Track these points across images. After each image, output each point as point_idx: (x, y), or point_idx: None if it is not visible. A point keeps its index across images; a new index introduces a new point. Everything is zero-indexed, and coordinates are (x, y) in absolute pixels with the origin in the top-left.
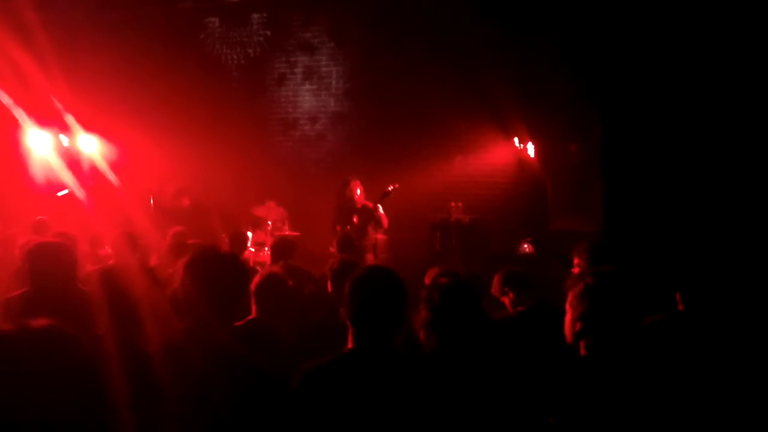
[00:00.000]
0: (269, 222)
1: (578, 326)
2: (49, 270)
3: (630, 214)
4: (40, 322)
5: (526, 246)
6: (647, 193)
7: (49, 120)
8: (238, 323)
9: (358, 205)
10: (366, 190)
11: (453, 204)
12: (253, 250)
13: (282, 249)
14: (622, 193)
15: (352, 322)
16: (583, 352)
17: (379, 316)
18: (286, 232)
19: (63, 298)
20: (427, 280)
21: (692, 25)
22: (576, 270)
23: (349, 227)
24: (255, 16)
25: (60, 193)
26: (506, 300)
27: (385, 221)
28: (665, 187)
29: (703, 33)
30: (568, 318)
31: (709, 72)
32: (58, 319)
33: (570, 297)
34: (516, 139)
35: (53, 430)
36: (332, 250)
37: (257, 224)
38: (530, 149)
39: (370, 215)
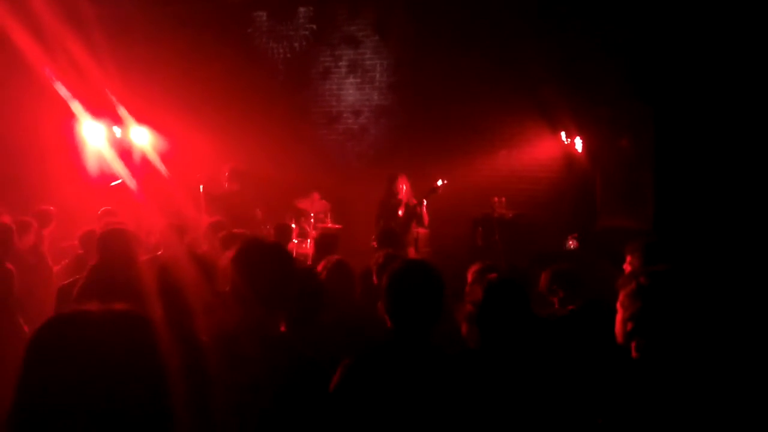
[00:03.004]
0: (312, 214)
1: (629, 326)
2: (115, 256)
3: (682, 213)
4: (121, 305)
5: (571, 243)
6: (700, 192)
7: (103, 112)
8: None
9: (404, 201)
10: (409, 184)
11: (496, 199)
12: (296, 242)
13: (325, 243)
14: (674, 191)
15: (390, 316)
16: (634, 353)
17: (417, 310)
18: (329, 225)
19: (122, 285)
20: (469, 276)
21: (747, 19)
22: (628, 268)
23: (393, 222)
24: (301, 9)
25: (112, 183)
26: (555, 299)
27: (426, 219)
28: (719, 185)
29: (758, 27)
30: (619, 318)
31: (764, 69)
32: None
33: (621, 296)
34: (563, 134)
35: (126, 415)
36: (373, 244)
37: (300, 216)
38: (578, 144)
39: (413, 211)
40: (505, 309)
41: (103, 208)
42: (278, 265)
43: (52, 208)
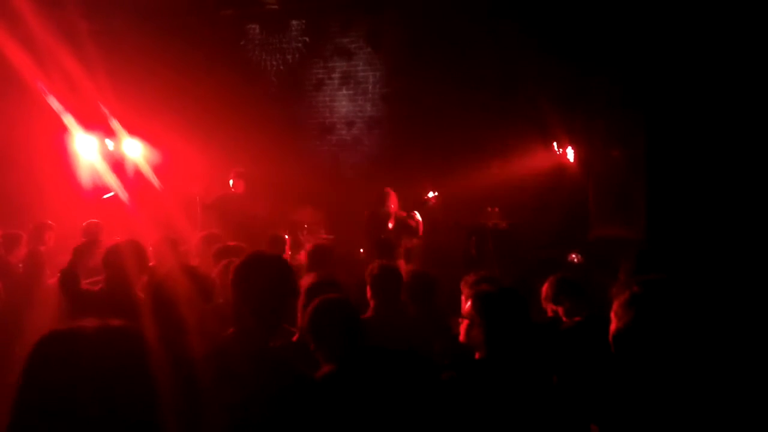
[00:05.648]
0: (305, 225)
1: (624, 336)
2: (122, 270)
3: (674, 222)
4: (117, 321)
5: (574, 257)
6: (692, 201)
7: (96, 125)
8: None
9: (393, 214)
10: (402, 195)
11: (489, 209)
12: (289, 253)
13: (320, 256)
14: (667, 200)
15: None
16: (628, 362)
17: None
18: (322, 236)
19: (122, 299)
20: (463, 287)
21: (736, 28)
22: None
23: (383, 235)
24: (294, 22)
25: (105, 196)
26: (559, 309)
27: (420, 229)
28: (711, 193)
29: (749, 37)
30: (613, 327)
31: (755, 77)
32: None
33: (615, 306)
34: (555, 144)
35: (118, 428)
36: (362, 253)
37: (293, 227)
38: (570, 154)
39: (404, 223)
40: (508, 319)
41: (89, 221)
42: (278, 282)
43: (50, 222)
